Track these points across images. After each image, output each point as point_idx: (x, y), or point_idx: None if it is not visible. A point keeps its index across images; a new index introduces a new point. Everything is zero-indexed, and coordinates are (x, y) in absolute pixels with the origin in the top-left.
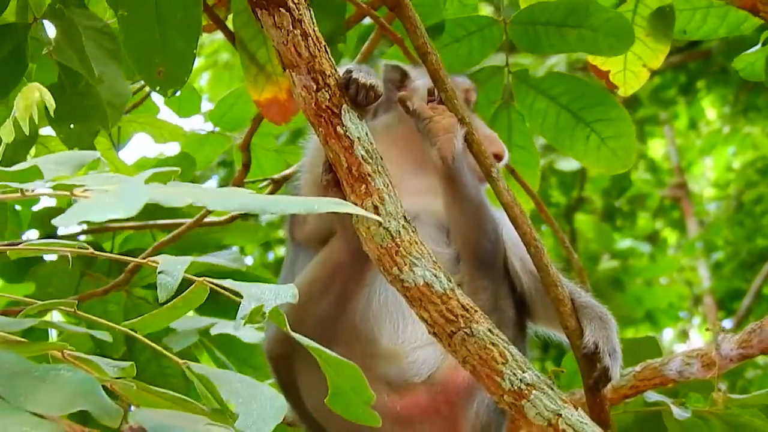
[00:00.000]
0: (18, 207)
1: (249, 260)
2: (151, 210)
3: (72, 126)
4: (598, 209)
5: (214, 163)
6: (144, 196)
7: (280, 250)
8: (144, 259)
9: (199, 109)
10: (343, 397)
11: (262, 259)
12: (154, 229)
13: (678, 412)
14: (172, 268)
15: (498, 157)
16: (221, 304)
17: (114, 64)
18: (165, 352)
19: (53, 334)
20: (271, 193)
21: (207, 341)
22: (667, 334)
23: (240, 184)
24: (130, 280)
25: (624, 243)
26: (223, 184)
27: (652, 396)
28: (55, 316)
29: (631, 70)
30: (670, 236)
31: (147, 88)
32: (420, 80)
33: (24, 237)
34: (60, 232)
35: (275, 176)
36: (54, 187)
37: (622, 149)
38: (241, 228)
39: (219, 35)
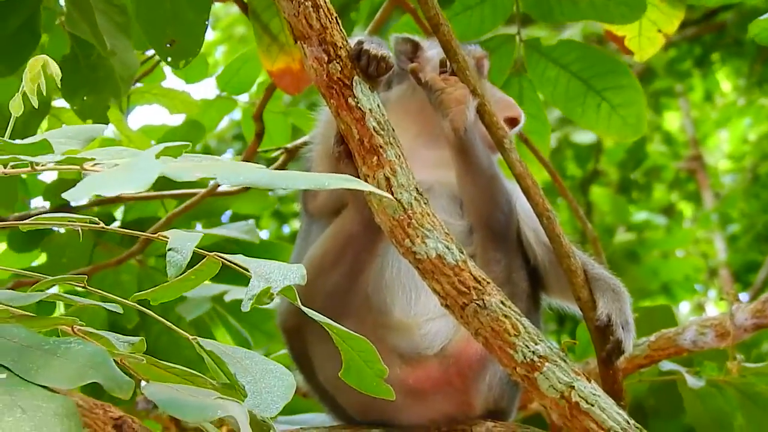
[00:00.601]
0: (24, 176)
1: (264, 233)
2: (162, 179)
3: (85, 98)
4: (614, 182)
5: (229, 135)
6: (155, 171)
7: (295, 223)
8: (156, 231)
9: (206, 75)
10: (357, 371)
11: (277, 233)
12: (166, 198)
13: (692, 381)
14: (181, 244)
15: (515, 122)
16: (233, 270)
17: (124, 37)
18: (175, 327)
19: (61, 305)
20: (285, 161)
21: (219, 307)
22: (684, 307)
23: (254, 153)
24: (143, 250)
25: (640, 215)
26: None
27: (666, 365)
28: None
29: (646, 35)
30: (686, 209)
31: (156, 58)
32: (432, 51)
33: (32, 205)
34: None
35: (288, 145)
36: (64, 161)
37: (632, 117)
38: (250, 195)
39: (234, 8)
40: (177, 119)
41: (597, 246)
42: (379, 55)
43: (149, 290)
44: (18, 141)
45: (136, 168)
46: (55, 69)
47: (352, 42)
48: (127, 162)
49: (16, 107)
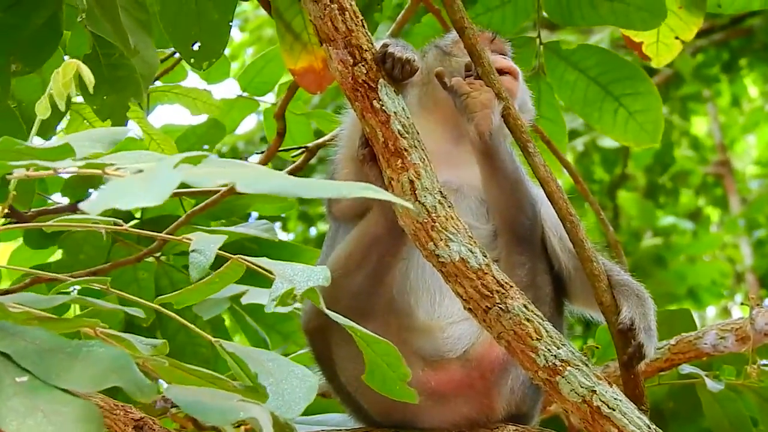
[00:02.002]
0: None
1: (291, 236)
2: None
3: (105, 97)
4: (641, 186)
5: (257, 137)
6: (172, 183)
7: (322, 226)
8: (175, 230)
9: (228, 75)
10: (380, 375)
11: (304, 234)
12: (184, 196)
13: (711, 385)
14: (205, 246)
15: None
16: (250, 270)
17: (145, 35)
18: (196, 329)
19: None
20: (305, 161)
21: (237, 307)
22: (710, 312)
23: (274, 152)
24: (161, 248)
25: (667, 220)
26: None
27: (686, 368)
28: None
29: (664, 42)
30: (713, 213)
31: (176, 56)
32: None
33: (50, 201)
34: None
35: (309, 144)
36: (86, 166)
37: (649, 123)
38: (270, 195)
39: (263, 11)
40: (198, 119)
41: (618, 250)
42: (404, 58)
43: (173, 294)
44: (40, 144)
45: (154, 179)
46: (88, 75)
47: (378, 45)
48: (147, 171)
49: (42, 110)
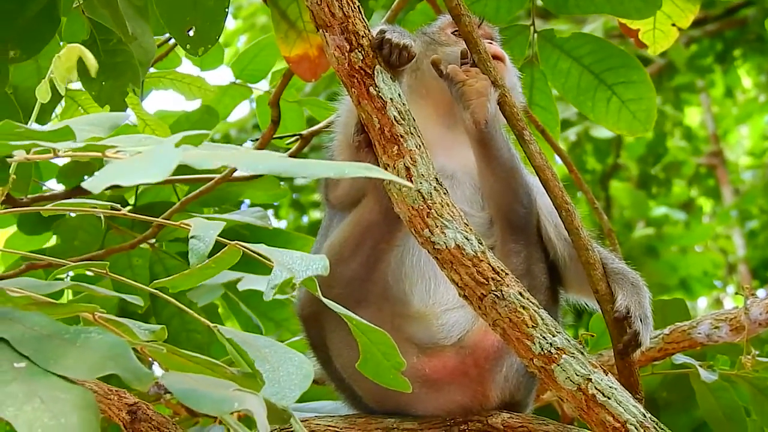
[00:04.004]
0: None
1: (283, 224)
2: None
3: (103, 83)
4: (634, 176)
5: (250, 124)
6: (173, 161)
7: (315, 214)
8: (170, 216)
9: (222, 61)
10: (374, 363)
11: (296, 222)
12: (178, 183)
13: (705, 375)
14: (204, 232)
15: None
16: (244, 256)
17: (142, 21)
18: (194, 313)
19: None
20: (300, 148)
21: (230, 293)
22: (701, 303)
23: (269, 140)
24: (156, 235)
25: (659, 210)
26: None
27: (679, 358)
28: None
29: (660, 29)
30: (705, 204)
31: (171, 42)
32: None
33: (44, 188)
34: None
35: (303, 132)
36: (86, 148)
37: (642, 112)
38: (262, 182)
39: None
40: (192, 105)
41: (613, 239)
42: (402, 44)
43: (169, 278)
44: (39, 127)
45: (155, 157)
46: (91, 60)
47: (374, 31)
48: (146, 151)
49: (42, 94)
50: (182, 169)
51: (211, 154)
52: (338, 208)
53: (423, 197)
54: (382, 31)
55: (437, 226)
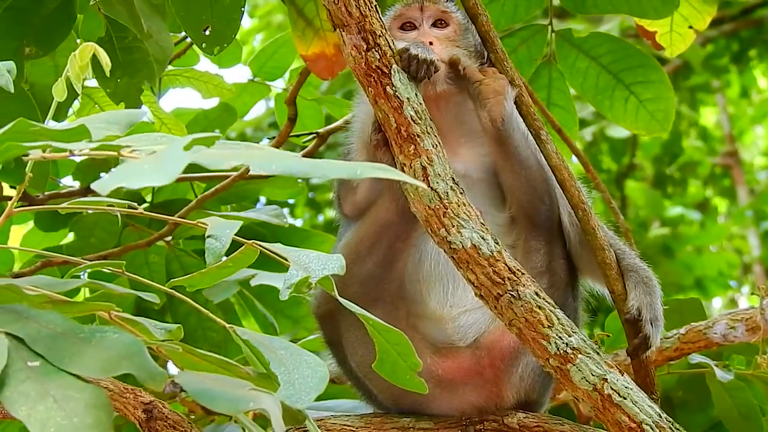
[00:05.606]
0: None
1: (299, 222)
2: (192, 163)
3: (119, 80)
4: (649, 176)
5: (266, 123)
6: (181, 164)
7: (330, 213)
8: (186, 214)
9: (239, 60)
10: (390, 363)
11: (312, 221)
12: (195, 180)
13: (721, 374)
14: (221, 231)
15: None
16: (261, 253)
17: (158, 18)
18: (209, 313)
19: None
20: (317, 146)
21: (246, 291)
22: (717, 303)
23: (286, 137)
24: (172, 232)
25: (674, 210)
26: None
27: (695, 358)
28: None
29: (677, 31)
30: (721, 204)
31: (188, 40)
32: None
33: (61, 184)
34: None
35: (320, 130)
36: (101, 147)
37: (660, 112)
38: (279, 180)
39: None
40: (210, 103)
41: (629, 238)
42: (429, 60)
43: (186, 277)
44: (55, 126)
45: (164, 160)
46: (105, 58)
47: (398, 47)
48: (156, 153)
49: (59, 92)
50: (199, 166)
51: (224, 154)
52: (353, 219)
53: (439, 197)
54: (406, 50)
55: (453, 226)
